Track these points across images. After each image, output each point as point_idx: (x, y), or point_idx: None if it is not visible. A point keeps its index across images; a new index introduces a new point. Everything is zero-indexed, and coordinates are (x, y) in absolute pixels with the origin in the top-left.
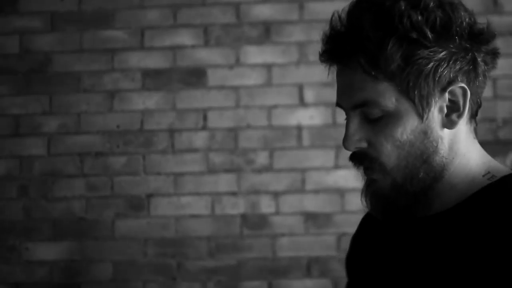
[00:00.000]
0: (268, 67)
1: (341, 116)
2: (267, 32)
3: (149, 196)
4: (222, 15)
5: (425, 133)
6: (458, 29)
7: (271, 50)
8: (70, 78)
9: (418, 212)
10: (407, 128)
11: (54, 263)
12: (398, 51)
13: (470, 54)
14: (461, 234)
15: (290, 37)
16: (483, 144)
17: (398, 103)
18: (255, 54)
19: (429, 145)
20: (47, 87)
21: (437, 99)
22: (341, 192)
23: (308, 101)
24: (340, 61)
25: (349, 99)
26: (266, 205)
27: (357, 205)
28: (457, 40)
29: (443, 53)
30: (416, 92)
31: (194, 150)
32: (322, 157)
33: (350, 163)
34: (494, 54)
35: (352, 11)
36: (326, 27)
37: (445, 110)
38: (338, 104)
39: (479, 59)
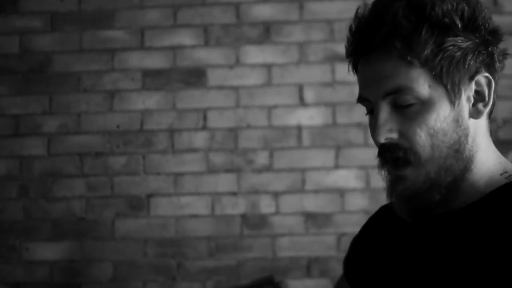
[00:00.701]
0: (268, 67)
1: (341, 116)
2: (267, 32)
3: (149, 196)
4: (222, 15)
5: (457, 121)
6: (481, 22)
7: (271, 50)
8: (70, 78)
9: (438, 208)
10: (440, 115)
11: (54, 263)
12: (431, 37)
13: (489, 48)
14: (480, 231)
15: (290, 37)
16: None
17: (431, 89)
18: (255, 54)
19: (460, 133)
20: (47, 87)
21: (466, 87)
22: (341, 192)
23: (308, 101)
24: (373, 48)
25: (379, 87)
26: (266, 205)
27: (357, 205)
28: (481, 32)
29: (469, 42)
30: (449, 78)
31: (194, 150)
32: (322, 157)
33: (377, 159)
34: (505, 54)
35: (382, 0)
36: (350, 21)
37: (472, 100)
38: (361, 99)
39: (495, 55)
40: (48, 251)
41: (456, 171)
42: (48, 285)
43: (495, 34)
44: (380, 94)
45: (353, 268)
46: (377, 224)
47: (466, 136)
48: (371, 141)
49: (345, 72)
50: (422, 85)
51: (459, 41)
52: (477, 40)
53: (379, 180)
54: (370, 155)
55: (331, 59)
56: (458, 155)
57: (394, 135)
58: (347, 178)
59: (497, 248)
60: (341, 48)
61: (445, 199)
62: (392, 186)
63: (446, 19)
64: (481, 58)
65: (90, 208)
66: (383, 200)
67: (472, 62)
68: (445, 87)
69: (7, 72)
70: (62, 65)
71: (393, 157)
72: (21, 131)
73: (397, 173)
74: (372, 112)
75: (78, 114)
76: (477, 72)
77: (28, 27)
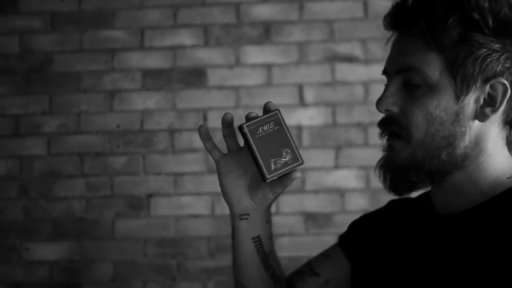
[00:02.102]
0: (268, 67)
1: (341, 116)
2: (267, 32)
3: (149, 196)
4: (222, 15)
5: (457, 115)
6: None
7: (271, 50)
8: (70, 78)
9: (443, 209)
10: (441, 104)
11: (54, 263)
12: (457, 27)
13: None
14: (485, 234)
15: (290, 37)
16: None
17: (440, 77)
18: (255, 54)
19: (458, 128)
20: (47, 87)
21: (477, 86)
22: (341, 192)
23: (308, 101)
24: (402, 25)
25: (395, 63)
26: None
27: (357, 205)
28: None
29: (498, 45)
30: (460, 71)
31: (194, 150)
32: (322, 157)
33: (378, 131)
34: None
35: None
36: None
37: (481, 102)
38: (384, 71)
39: None
40: (48, 251)
41: (444, 163)
42: (48, 285)
43: None
44: (394, 69)
45: (359, 248)
46: (388, 216)
47: (463, 133)
48: (371, 141)
49: (345, 72)
50: (433, 70)
51: (486, 40)
52: (507, 46)
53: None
54: (370, 155)
55: (331, 59)
56: (450, 149)
57: (395, 109)
58: (347, 178)
59: (501, 251)
60: (341, 48)
61: (451, 200)
62: (383, 155)
63: (477, 15)
64: (508, 65)
65: (90, 208)
66: (383, 200)
67: (493, 65)
68: (454, 78)
69: (7, 72)
70: (62, 65)
71: (389, 130)
72: (21, 131)
73: (389, 143)
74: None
75: (78, 114)
76: (495, 76)
77: (28, 27)
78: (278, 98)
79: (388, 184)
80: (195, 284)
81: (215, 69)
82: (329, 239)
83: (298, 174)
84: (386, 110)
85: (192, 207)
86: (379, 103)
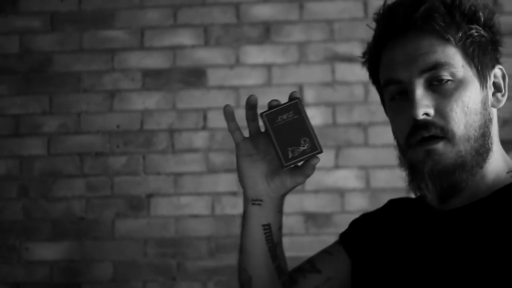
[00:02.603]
0: (268, 67)
1: (341, 116)
2: (267, 32)
3: (149, 196)
4: (222, 15)
5: (484, 103)
6: (496, 23)
7: (271, 50)
8: (70, 78)
9: (442, 206)
10: (472, 95)
11: (54, 263)
12: (463, 21)
13: (499, 49)
14: (491, 227)
15: (290, 37)
16: None
17: (464, 69)
18: (255, 54)
19: (486, 117)
20: (47, 87)
21: (491, 74)
22: (341, 192)
23: (308, 101)
24: (412, 26)
25: (416, 65)
26: None
27: (357, 205)
28: (497, 32)
29: (488, 35)
30: (479, 61)
31: (194, 150)
32: (322, 157)
33: (414, 138)
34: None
35: None
36: (378, 9)
37: (493, 88)
38: (390, 81)
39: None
40: (48, 251)
41: (482, 157)
42: (48, 285)
43: (500, 42)
44: (417, 71)
45: (360, 246)
46: (388, 215)
47: (490, 121)
48: (371, 141)
49: (345, 72)
50: (457, 63)
51: (482, 32)
52: (492, 36)
53: (379, 180)
54: (370, 155)
55: (331, 59)
56: (485, 140)
57: (431, 111)
58: (347, 178)
59: (505, 245)
60: (341, 48)
61: (459, 192)
62: (423, 163)
63: (473, 9)
64: (496, 53)
65: (90, 208)
66: (383, 200)
67: (492, 54)
68: (476, 68)
69: (7, 72)
70: (62, 65)
71: (429, 134)
72: (21, 131)
73: (428, 148)
74: (401, 94)
75: (78, 114)
76: (493, 66)
77: (28, 27)
78: (278, 98)
79: (440, 193)
80: (195, 284)
81: (215, 69)
82: (329, 239)
83: (316, 161)
84: (424, 114)
85: (192, 207)
86: (414, 108)
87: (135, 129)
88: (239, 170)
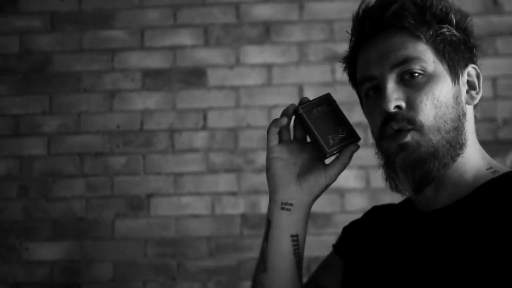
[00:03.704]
0: (268, 67)
1: None
2: (267, 32)
3: (149, 196)
4: (222, 15)
5: (456, 99)
6: (470, 26)
7: (271, 50)
8: (70, 78)
9: (425, 207)
10: (444, 89)
11: (54, 263)
12: (433, 20)
13: (474, 51)
14: (475, 226)
15: (290, 37)
16: (483, 144)
17: (435, 64)
18: (255, 54)
19: (459, 112)
20: (47, 87)
21: (463, 72)
22: (341, 192)
23: None
24: (384, 25)
25: (387, 60)
26: (266, 205)
27: (357, 205)
28: (471, 35)
29: (460, 35)
30: (449, 58)
31: (194, 150)
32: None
33: (386, 131)
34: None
35: None
36: (356, 9)
37: (466, 86)
38: (365, 78)
39: (477, 62)
40: (48, 251)
41: (454, 149)
42: (48, 285)
43: (478, 47)
44: (388, 66)
45: (350, 250)
46: (373, 220)
47: (464, 116)
48: (371, 141)
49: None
50: (428, 58)
51: (454, 31)
52: (465, 38)
53: (379, 180)
54: (370, 155)
55: (331, 59)
56: (457, 134)
57: (402, 103)
58: (347, 178)
59: (490, 242)
60: (341, 48)
61: (437, 189)
62: (394, 156)
63: (444, 11)
64: (470, 54)
65: (90, 208)
66: (383, 200)
67: (464, 53)
68: (448, 64)
69: (7, 72)
70: (62, 65)
71: (398, 126)
72: (21, 131)
73: (399, 142)
74: (375, 90)
75: (78, 114)
76: (466, 64)
77: (28, 27)
78: (278, 98)
79: (413, 183)
80: (195, 284)
81: (215, 69)
82: (329, 239)
83: (355, 148)
84: (396, 107)
85: (192, 207)
86: (385, 102)
87: (135, 129)
88: (271, 172)
